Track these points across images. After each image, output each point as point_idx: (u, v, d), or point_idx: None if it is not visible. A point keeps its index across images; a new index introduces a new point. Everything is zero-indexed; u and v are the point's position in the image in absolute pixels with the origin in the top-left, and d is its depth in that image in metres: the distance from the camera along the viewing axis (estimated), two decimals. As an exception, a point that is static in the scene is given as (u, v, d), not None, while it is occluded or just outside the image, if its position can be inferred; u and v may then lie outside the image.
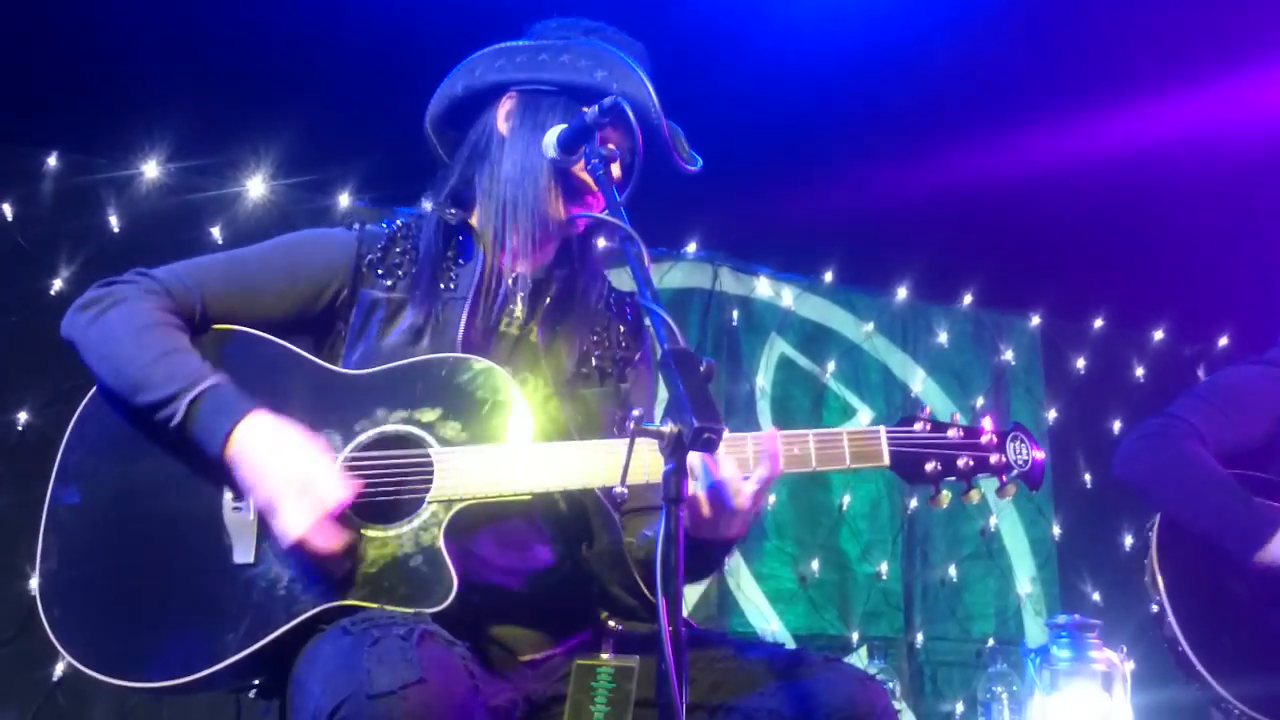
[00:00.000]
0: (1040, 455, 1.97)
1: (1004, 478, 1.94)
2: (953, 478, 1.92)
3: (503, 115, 2.10)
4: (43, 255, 3.57)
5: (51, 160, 3.64)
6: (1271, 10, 3.94)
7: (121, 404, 1.90)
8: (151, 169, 3.73)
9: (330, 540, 1.78)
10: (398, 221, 2.14)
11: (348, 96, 3.68)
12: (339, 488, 1.79)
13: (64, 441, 1.95)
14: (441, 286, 2.06)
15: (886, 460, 1.91)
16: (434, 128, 2.21)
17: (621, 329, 2.18)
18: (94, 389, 1.97)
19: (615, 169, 1.96)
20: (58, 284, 3.56)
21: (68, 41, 3.46)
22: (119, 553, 1.88)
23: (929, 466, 1.91)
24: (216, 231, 3.75)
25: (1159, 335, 5.24)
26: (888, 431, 1.92)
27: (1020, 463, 1.94)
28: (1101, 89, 4.19)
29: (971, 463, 1.92)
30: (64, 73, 3.50)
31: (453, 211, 2.11)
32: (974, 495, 1.93)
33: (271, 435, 1.83)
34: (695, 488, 1.78)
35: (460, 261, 2.09)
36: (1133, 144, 4.29)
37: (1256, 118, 4.24)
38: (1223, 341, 5.25)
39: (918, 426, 1.93)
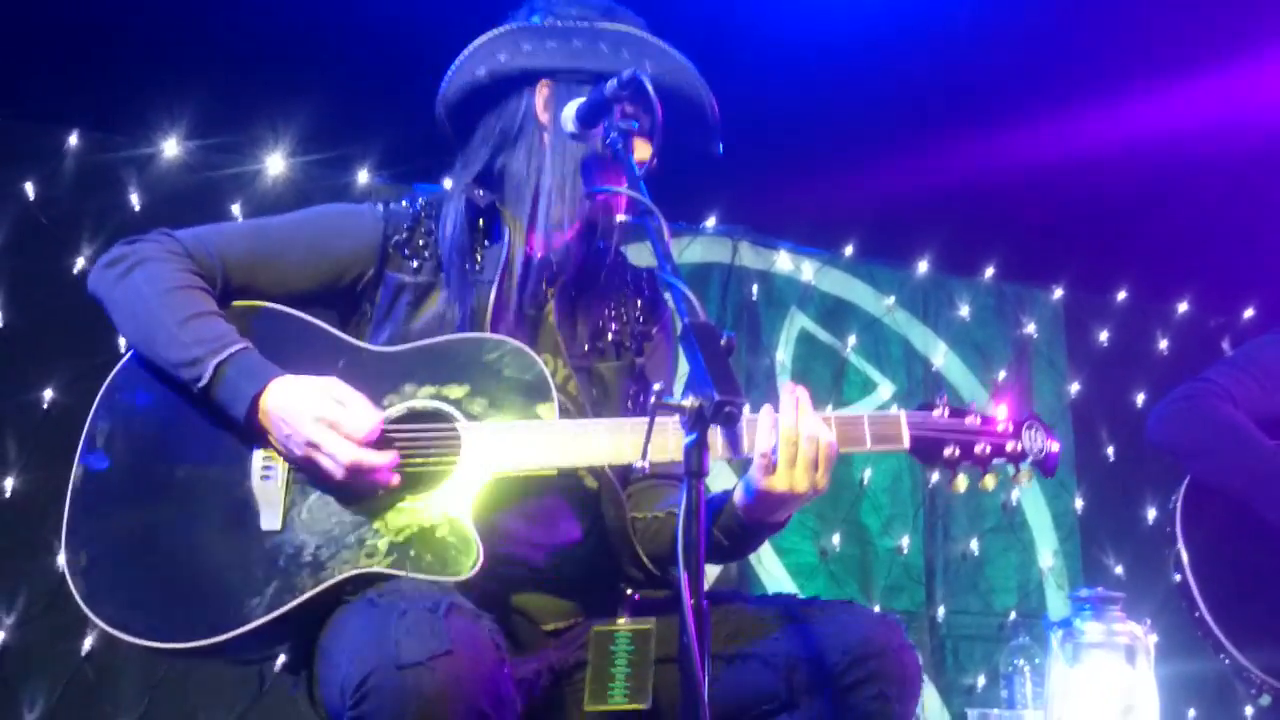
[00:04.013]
0: (1055, 446, 2.01)
1: (1019, 465, 1.99)
2: (969, 463, 1.97)
3: (540, 103, 2.08)
4: (64, 234, 3.59)
5: (72, 139, 3.65)
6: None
7: (147, 362, 1.93)
8: (171, 147, 3.74)
9: (378, 459, 1.83)
10: (421, 200, 2.14)
11: (366, 73, 3.67)
12: (366, 415, 1.85)
13: (94, 408, 1.97)
14: (467, 269, 2.06)
15: (906, 444, 1.94)
16: (448, 109, 2.18)
17: (639, 303, 2.19)
18: (125, 357, 1.99)
19: (644, 148, 1.97)
20: (80, 262, 3.57)
21: (87, 19, 3.47)
22: (146, 518, 1.91)
23: (947, 451, 1.95)
24: (236, 209, 3.76)
25: (1183, 307, 5.19)
26: (907, 416, 1.95)
27: (1036, 451, 1.99)
28: (1125, 64, 4.14)
29: (988, 449, 1.97)
30: (84, 51, 3.51)
31: (481, 193, 2.10)
32: (989, 481, 1.99)
33: (297, 388, 1.86)
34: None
35: (486, 243, 2.10)
36: (1156, 118, 4.25)
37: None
38: (1248, 313, 5.20)
39: (936, 412, 1.97)
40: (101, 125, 3.68)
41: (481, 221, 2.10)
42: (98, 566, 1.88)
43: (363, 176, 3.94)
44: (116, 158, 3.68)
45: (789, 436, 1.81)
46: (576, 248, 2.13)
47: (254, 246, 2.05)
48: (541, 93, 2.08)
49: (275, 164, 3.84)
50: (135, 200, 3.68)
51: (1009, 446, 1.97)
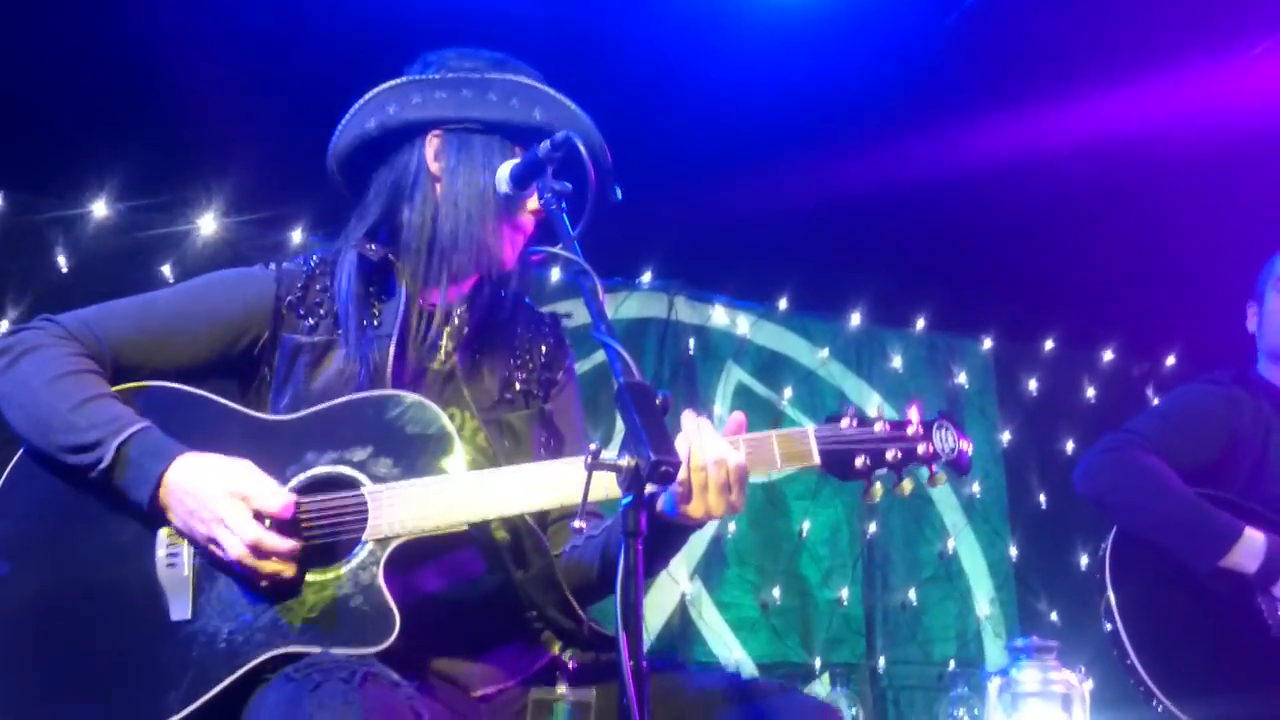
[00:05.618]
0: (967, 445, 1.99)
1: (933, 466, 1.96)
2: (883, 470, 1.93)
3: (431, 154, 2.07)
4: (-12, 296, 3.52)
5: (-3, 200, 3.60)
6: (1205, 13, 3.98)
7: (42, 455, 1.87)
8: (100, 208, 3.69)
9: (281, 543, 1.79)
10: (314, 258, 2.11)
11: (299, 132, 3.64)
12: (279, 492, 1.82)
13: None
14: (365, 324, 2.04)
15: (816, 460, 1.91)
16: (339, 163, 2.16)
17: (544, 349, 2.18)
18: (17, 457, 1.93)
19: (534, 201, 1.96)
20: (4, 326, 3.50)
21: (12, 80, 3.43)
22: (51, 621, 1.85)
23: (859, 462, 1.91)
24: (167, 270, 3.72)
25: (1108, 356, 5.32)
26: (815, 431, 1.92)
27: (947, 450, 1.96)
28: (1047, 111, 4.25)
29: (900, 454, 1.92)
30: (8, 111, 3.46)
31: (373, 247, 2.08)
32: (905, 486, 1.94)
33: (205, 467, 1.83)
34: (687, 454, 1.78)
35: (382, 298, 2.07)
36: (1076, 167, 4.37)
37: (1198, 133, 4.29)
38: (1170, 361, 5.34)
39: (844, 423, 1.93)
40: (28, 186, 3.62)
41: (376, 276, 2.08)
42: (2, 676, 1.81)
43: (297, 235, 3.92)
44: (43, 219, 3.62)
45: (696, 463, 1.78)
46: (477, 298, 2.11)
47: (142, 323, 2.00)
48: (432, 144, 2.08)
49: (208, 224, 3.80)
50: (63, 262, 3.62)
51: (920, 449, 1.94)
